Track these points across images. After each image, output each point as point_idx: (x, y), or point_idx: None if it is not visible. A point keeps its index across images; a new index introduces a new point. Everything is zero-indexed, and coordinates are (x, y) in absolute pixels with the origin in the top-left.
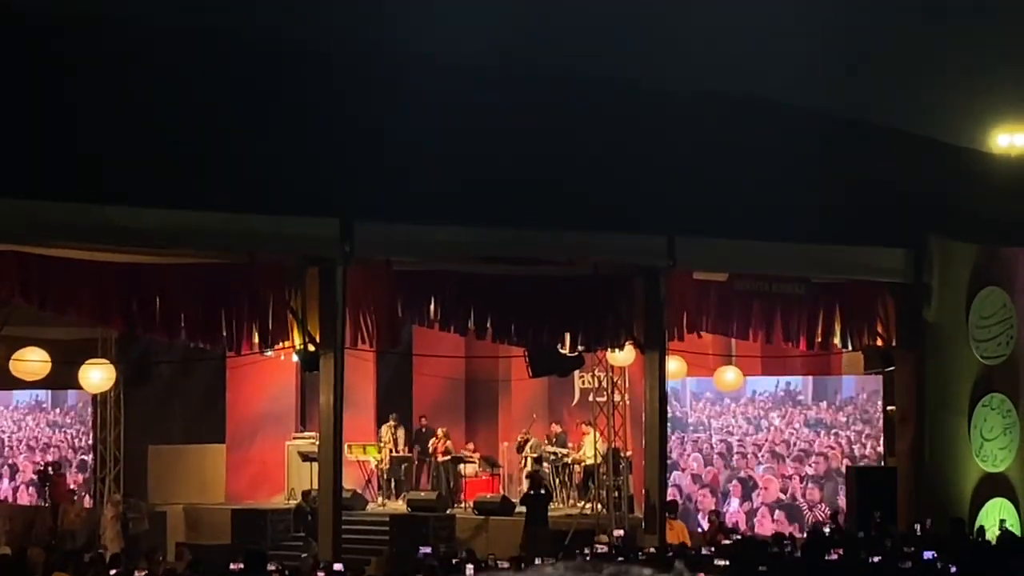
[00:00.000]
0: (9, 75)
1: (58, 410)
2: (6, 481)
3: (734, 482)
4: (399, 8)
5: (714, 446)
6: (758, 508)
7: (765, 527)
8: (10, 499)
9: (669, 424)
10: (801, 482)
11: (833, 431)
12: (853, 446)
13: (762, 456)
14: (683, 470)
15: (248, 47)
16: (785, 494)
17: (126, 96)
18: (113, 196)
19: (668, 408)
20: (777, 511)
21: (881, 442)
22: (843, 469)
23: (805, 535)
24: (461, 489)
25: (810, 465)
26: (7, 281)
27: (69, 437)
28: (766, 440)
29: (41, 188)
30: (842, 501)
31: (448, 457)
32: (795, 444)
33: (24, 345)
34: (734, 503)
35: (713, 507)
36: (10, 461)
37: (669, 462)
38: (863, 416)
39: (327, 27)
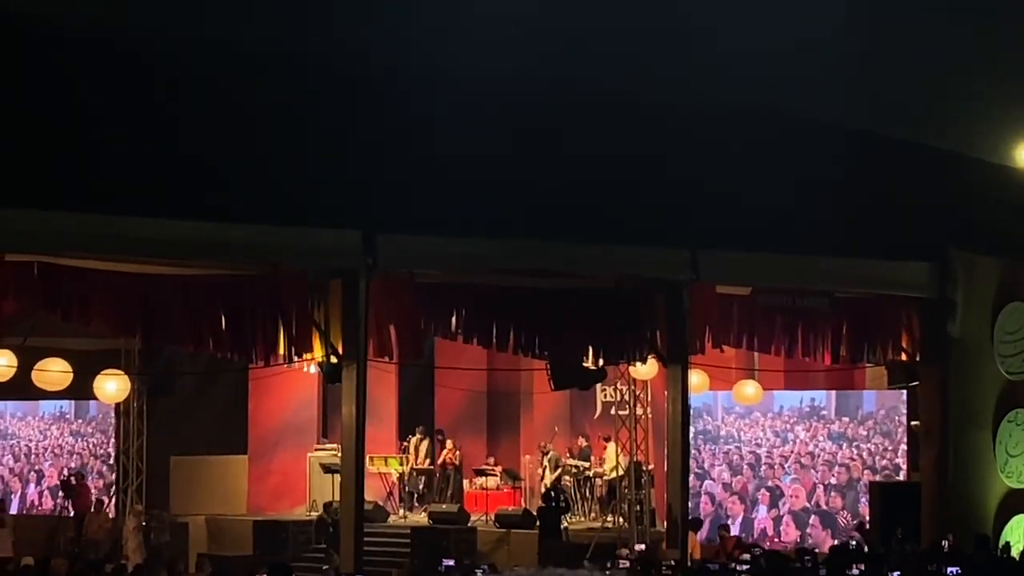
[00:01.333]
0: (33, 87)
1: (81, 420)
2: (32, 486)
3: (763, 491)
4: (424, 24)
5: (744, 457)
6: (783, 515)
7: (790, 534)
8: (36, 503)
9: (702, 437)
10: (825, 491)
11: (854, 444)
12: (873, 457)
13: (788, 467)
14: (715, 479)
15: (272, 60)
16: (810, 502)
17: (150, 108)
18: (137, 207)
19: (700, 421)
20: (812, 516)
21: (899, 454)
22: (863, 479)
23: (832, 543)
24: (462, 500)
25: (833, 475)
26: (31, 292)
27: (91, 445)
28: (792, 452)
29: (65, 199)
30: (863, 508)
31: (452, 467)
32: (819, 456)
33: (47, 355)
34: (762, 510)
35: (741, 514)
36: (36, 468)
37: (701, 471)
38: (882, 430)
39: (351, 41)
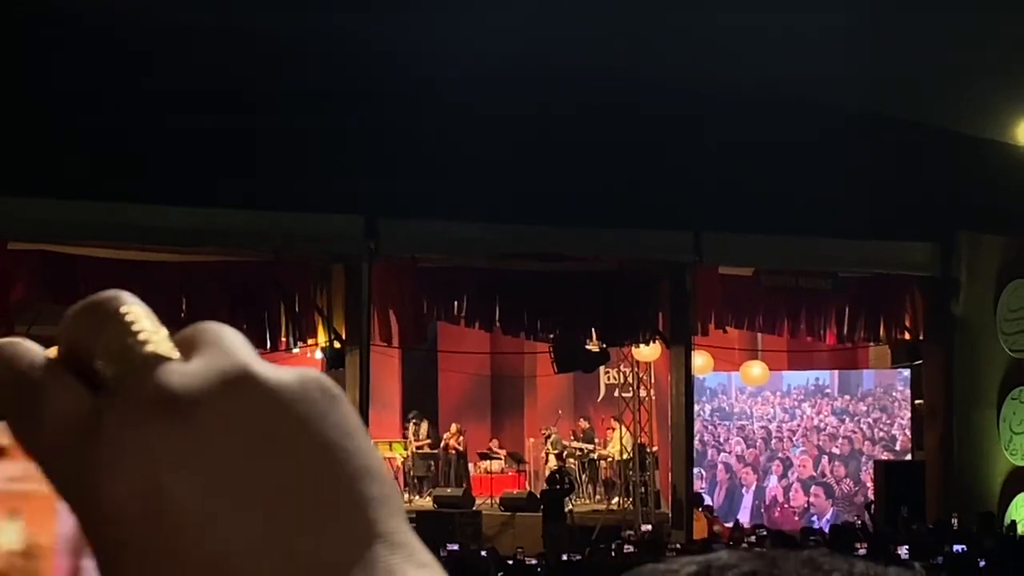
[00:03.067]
0: (31, 75)
1: None
2: None
3: (776, 462)
4: (424, 8)
5: (756, 432)
6: (792, 483)
7: (799, 500)
8: None
9: (718, 414)
10: (829, 461)
11: (856, 418)
12: (872, 430)
13: (796, 439)
14: (730, 452)
15: (272, 44)
16: (816, 471)
17: (150, 95)
18: (138, 195)
19: (716, 400)
20: (814, 486)
21: (895, 427)
22: (864, 449)
23: (832, 508)
24: (468, 484)
25: (836, 447)
26: (34, 280)
27: None
28: (799, 426)
29: (65, 187)
30: (864, 476)
31: (455, 451)
32: (824, 429)
33: (52, 344)
34: (772, 480)
35: (755, 483)
36: None
37: (717, 444)
38: (880, 405)
39: (351, 24)
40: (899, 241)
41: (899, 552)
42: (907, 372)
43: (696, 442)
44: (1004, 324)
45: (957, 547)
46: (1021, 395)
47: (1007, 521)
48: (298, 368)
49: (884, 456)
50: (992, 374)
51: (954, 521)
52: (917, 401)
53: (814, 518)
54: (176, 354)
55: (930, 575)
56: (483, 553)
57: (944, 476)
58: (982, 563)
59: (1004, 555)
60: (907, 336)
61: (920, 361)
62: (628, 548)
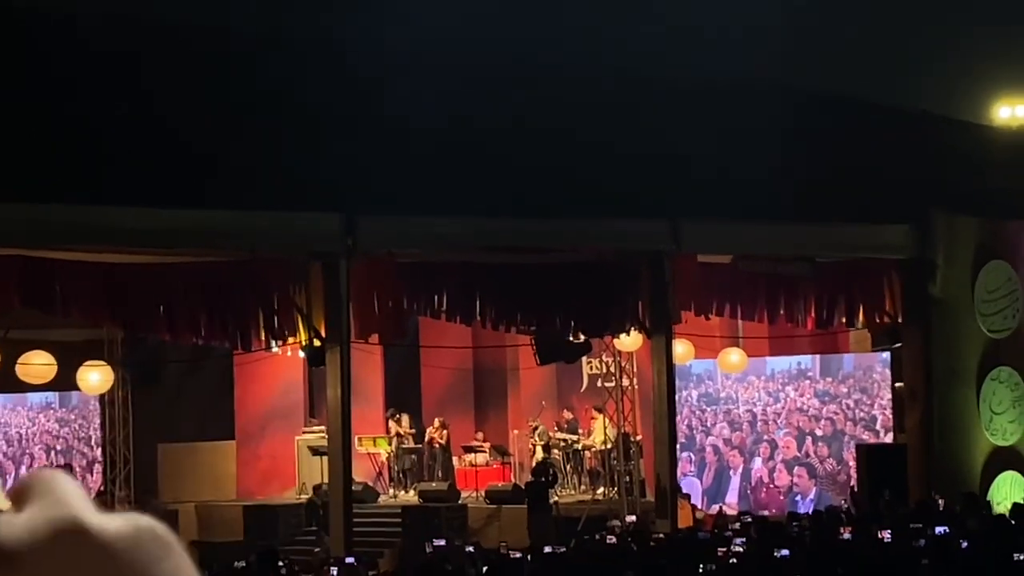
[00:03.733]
0: (6, 77)
1: (65, 408)
2: (24, 469)
3: (762, 444)
4: (397, 4)
5: (742, 415)
6: (777, 464)
7: (783, 479)
8: None
9: (704, 399)
10: (813, 442)
11: (837, 399)
12: (854, 411)
13: (780, 422)
14: (717, 436)
15: (246, 44)
16: (800, 451)
17: (125, 96)
18: (114, 197)
19: (703, 385)
20: (797, 467)
21: (875, 407)
22: (847, 430)
23: (816, 488)
24: (453, 478)
25: (819, 428)
26: (9, 284)
27: (76, 429)
28: (784, 409)
29: (42, 191)
30: (847, 456)
31: (439, 445)
32: (807, 411)
33: (30, 348)
34: (758, 462)
35: (741, 465)
36: (28, 452)
37: (704, 428)
38: (860, 387)
39: (325, 22)
40: (875, 224)
41: (883, 536)
42: (887, 355)
43: (684, 427)
44: (982, 305)
45: (939, 529)
46: (1000, 375)
47: (990, 501)
48: (132, 516)
49: (866, 436)
50: (971, 355)
51: (940, 502)
52: (897, 384)
53: (798, 498)
54: (6, 505)
55: (913, 557)
56: (469, 549)
57: (925, 458)
58: (964, 544)
59: (988, 535)
60: (886, 319)
61: (899, 344)
62: (610, 539)
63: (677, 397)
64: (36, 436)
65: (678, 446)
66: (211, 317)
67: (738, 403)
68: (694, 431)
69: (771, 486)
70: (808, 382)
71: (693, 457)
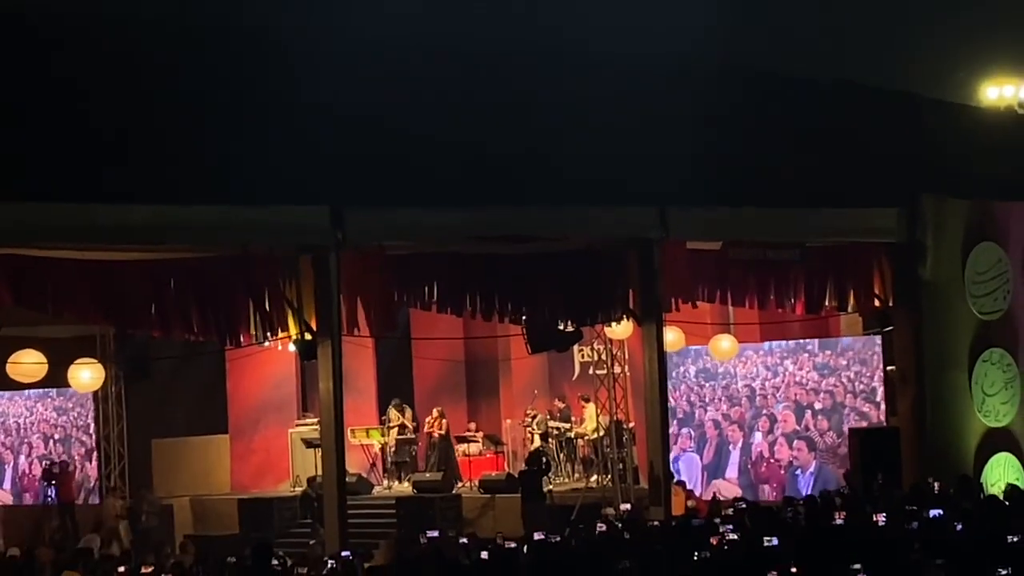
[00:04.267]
0: None
1: (63, 397)
2: (23, 457)
3: (761, 418)
4: None
5: (740, 390)
6: (778, 438)
7: (783, 453)
8: (27, 471)
9: (703, 375)
10: (813, 415)
11: (836, 372)
12: (853, 383)
13: (779, 396)
14: (716, 410)
15: (233, 38)
16: (800, 425)
17: (110, 94)
18: (103, 195)
19: (700, 361)
20: (797, 440)
21: (875, 379)
22: (847, 402)
23: (816, 461)
24: (456, 467)
25: (819, 401)
26: (1, 284)
27: (75, 418)
28: (783, 383)
29: (29, 190)
30: (847, 428)
31: (439, 435)
32: (806, 384)
33: (20, 346)
34: (758, 436)
35: (741, 440)
36: (26, 440)
37: (703, 404)
38: (860, 359)
39: (309, 14)
40: (864, 208)
41: (877, 519)
42: (879, 339)
43: (683, 402)
44: (972, 287)
45: (933, 512)
46: (992, 357)
47: (986, 482)
48: None
49: (866, 408)
50: (962, 337)
51: (935, 485)
52: (889, 368)
53: (798, 472)
54: None
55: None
56: (463, 540)
57: (918, 441)
58: (959, 527)
59: (983, 518)
60: (876, 303)
61: (890, 327)
62: (601, 527)
63: (675, 373)
64: (34, 425)
65: (676, 422)
66: (202, 313)
67: (736, 378)
68: (693, 407)
69: (771, 460)
70: (807, 355)
71: (693, 433)
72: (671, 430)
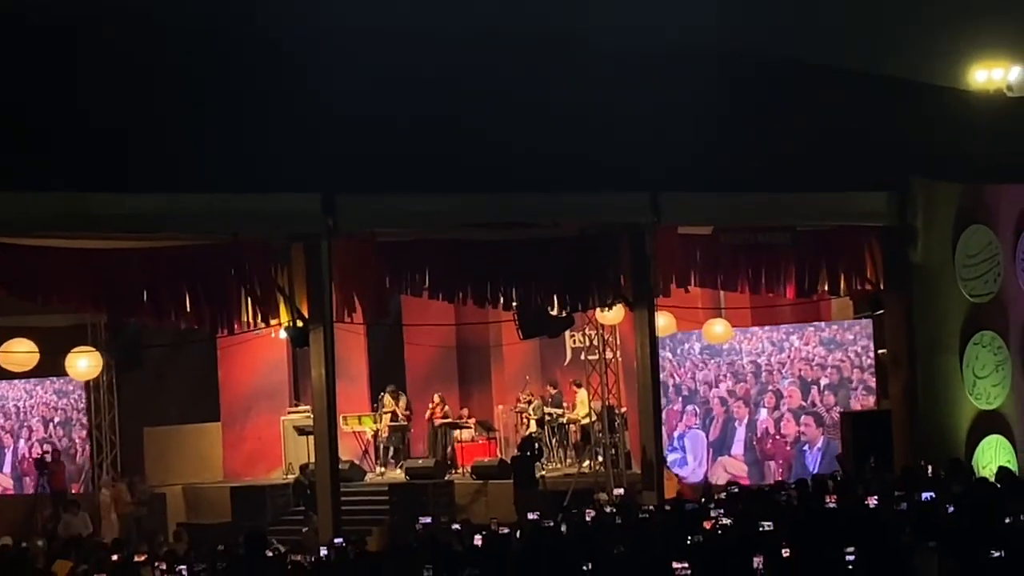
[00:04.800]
0: None
1: (63, 380)
2: (23, 441)
3: (767, 394)
4: None
5: (745, 366)
6: (784, 414)
7: (790, 429)
8: (27, 455)
9: (707, 351)
10: (819, 391)
11: (843, 347)
12: (860, 357)
13: (785, 371)
14: (720, 386)
15: (222, 28)
16: (806, 400)
17: (103, 84)
18: (93, 183)
19: (703, 338)
20: (804, 416)
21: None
22: (854, 376)
23: (824, 436)
24: (452, 452)
25: (825, 376)
26: None
27: (75, 401)
28: (788, 358)
29: (20, 178)
30: (854, 403)
31: (445, 421)
32: (812, 359)
33: (11, 335)
34: (764, 412)
35: (747, 416)
36: (25, 424)
37: (708, 381)
38: (868, 333)
39: (299, 1)
40: (855, 192)
41: (869, 502)
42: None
43: (688, 379)
44: (963, 270)
45: (925, 494)
46: (983, 339)
47: (978, 465)
48: None
49: (873, 383)
50: (953, 320)
51: (927, 468)
52: (880, 351)
53: (806, 447)
54: None
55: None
56: (455, 527)
57: (910, 424)
58: (951, 509)
59: (975, 500)
60: (867, 286)
61: (882, 311)
62: (590, 512)
63: (680, 350)
64: (34, 408)
65: (681, 399)
66: (194, 301)
67: (741, 354)
68: (698, 383)
69: (777, 436)
70: (813, 330)
71: (698, 410)
72: (676, 407)
